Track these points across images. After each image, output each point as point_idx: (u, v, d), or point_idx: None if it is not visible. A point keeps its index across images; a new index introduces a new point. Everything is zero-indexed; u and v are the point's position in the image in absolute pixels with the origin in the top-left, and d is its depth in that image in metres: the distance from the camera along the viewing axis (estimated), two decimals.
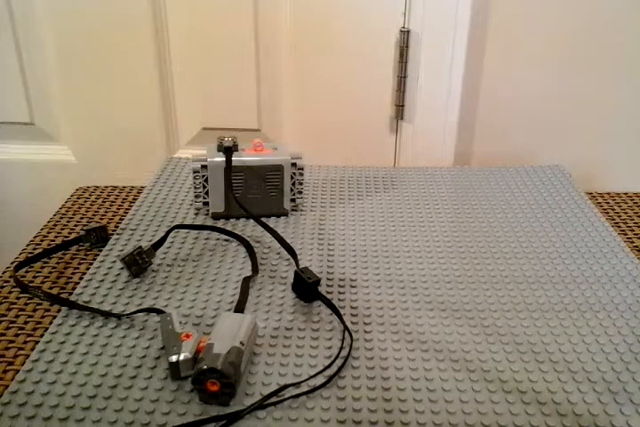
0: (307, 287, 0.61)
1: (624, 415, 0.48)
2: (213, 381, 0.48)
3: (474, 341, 0.57)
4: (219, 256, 0.70)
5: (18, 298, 0.63)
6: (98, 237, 0.72)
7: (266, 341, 0.56)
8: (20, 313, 0.60)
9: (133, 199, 0.85)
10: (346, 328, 0.57)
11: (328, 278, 0.66)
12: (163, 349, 0.55)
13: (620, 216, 0.82)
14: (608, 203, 0.86)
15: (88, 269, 0.68)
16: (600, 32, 0.93)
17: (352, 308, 0.61)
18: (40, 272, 0.67)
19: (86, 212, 0.82)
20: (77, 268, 0.69)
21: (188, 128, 1.04)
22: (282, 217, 0.79)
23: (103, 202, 0.84)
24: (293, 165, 0.76)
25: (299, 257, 0.70)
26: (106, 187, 0.89)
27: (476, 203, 0.83)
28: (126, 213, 0.81)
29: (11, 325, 0.59)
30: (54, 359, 0.53)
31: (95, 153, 1.06)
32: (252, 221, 0.77)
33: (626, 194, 0.89)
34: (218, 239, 0.73)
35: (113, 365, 0.53)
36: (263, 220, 0.77)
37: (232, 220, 0.78)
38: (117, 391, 0.50)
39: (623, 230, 0.79)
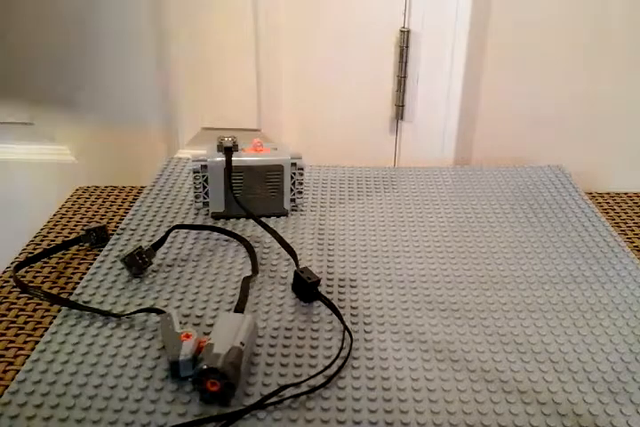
0: (306, 287, 0.61)
1: (624, 415, 0.48)
2: (213, 381, 0.48)
3: (474, 341, 0.57)
4: (219, 256, 0.70)
5: (18, 298, 0.63)
6: (98, 237, 0.72)
7: (266, 341, 0.56)
8: (19, 313, 0.60)
9: (133, 199, 0.85)
10: (346, 328, 0.57)
11: (328, 278, 0.66)
12: (163, 349, 0.55)
13: (620, 216, 0.82)
14: (608, 203, 0.86)
15: (88, 269, 0.68)
16: (600, 31, 0.93)
17: (352, 308, 0.61)
18: (40, 272, 0.67)
19: (86, 212, 0.82)
20: (77, 268, 0.69)
21: (188, 128, 1.03)
22: (282, 217, 0.79)
23: (103, 202, 0.84)
24: (293, 164, 0.76)
25: (299, 257, 0.70)
26: (106, 187, 0.89)
27: (476, 203, 0.83)
28: (126, 213, 0.81)
29: (11, 325, 0.59)
30: (54, 359, 0.53)
31: (95, 153, 1.06)
32: (251, 221, 0.77)
33: (626, 194, 0.89)
34: (218, 239, 0.73)
35: (113, 365, 0.53)
36: (263, 220, 0.77)
37: (232, 220, 0.78)
38: (117, 392, 0.50)
39: (623, 230, 0.79)
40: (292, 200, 0.79)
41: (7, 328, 0.58)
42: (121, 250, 0.71)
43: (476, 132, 1.01)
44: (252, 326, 0.54)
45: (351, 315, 0.60)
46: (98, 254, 0.71)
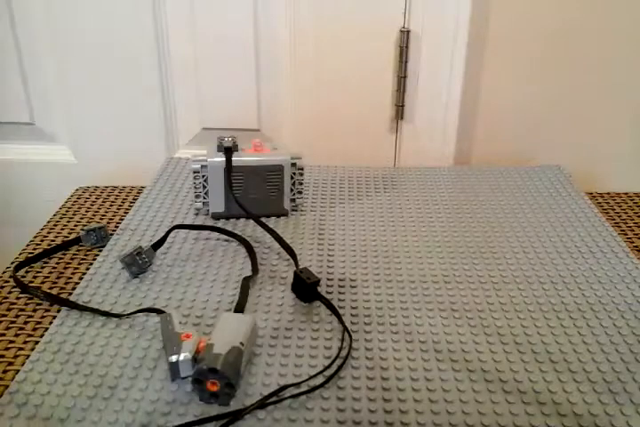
0: (306, 288, 0.61)
1: (624, 416, 0.48)
2: (213, 381, 0.48)
3: (474, 341, 0.57)
4: (219, 256, 0.70)
5: (18, 298, 0.63)
6: (98, 237, 0.72)
7: (266, 341, 0.56)
8: (19, 313, 0.60)
9: (133, 199, 0.85)
10: (345, 329, 0.57)
11: (328, 279, 0.66)
12: (163, 349, 0.55)
13: (620, 216, 0.82)
14: (608, 203, 0.86)
15: (88, 269, 0.68)
16: (600, 31, 0.93)
17: (352, 308, 0.61)
18: (40, 272, 0.67)
19: (86, 212, 0.82)
20: (77, 268, 0.68)
21: (188, 128, 1.03)
22: (282, 217, 0.79)
23: (103, 202, 0.84)
24: (293, 165, 0.76)
25: (298, 257, 0.70)
26: (106, 187, 0.89)
27: (476, 203, 0.83)
28: (126, 213, 0.81)
29: (11, 325, 0.59)
30: (54, 359, 0.53)
31: (95, 153, 1.06)
32: (252, 221, 0.77)
33: (626, 194, 0.89)
34: (218, 239, 0.73)
35: (113, 365, 0.53)
36: (263, 220, 0.77)
37: (232, 220, 0.78)
38: (117, 392, 0.50)
39: (623, 230, 0.79)
40: (292, 200, 0.79)
41: (7, 328, 0.58)
42: (121, 250, 0.71)
43: (476, 132, 1.01)
44: (252, 326, 0.54)
45: (351, 315, 0.60)
46: (98, 254, 0.71)
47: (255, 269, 0.66)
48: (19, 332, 0.58)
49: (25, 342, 0.56)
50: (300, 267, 0.64)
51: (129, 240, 0.73)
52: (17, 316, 0.60)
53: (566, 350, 0.56)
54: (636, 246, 0.75)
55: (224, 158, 0.74)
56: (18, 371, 0.53)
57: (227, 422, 0.47)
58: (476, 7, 0.91)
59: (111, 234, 0.75)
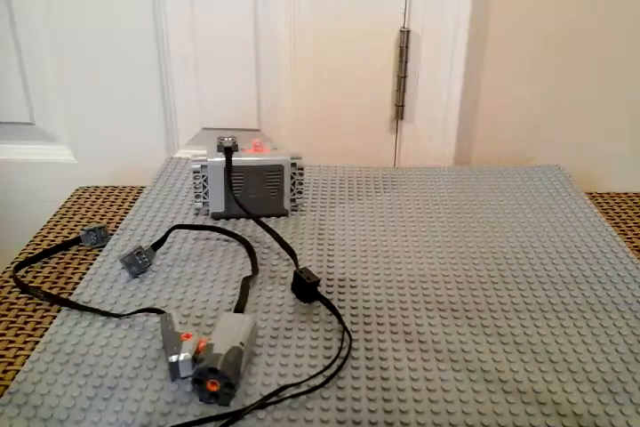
0: (306, 288, 0.61)
1: (624, 416, 0.48)
2: (213, 381, 0.48)
3: (474, 341, 0.57)
4: (219, 256, 0.70)
5: (18, 298, 0.63)
6: (98, 237, 0.72)
7: (266, 341, 0.56)
8: (19, 313, 0.60)
9: (133, 199, 0.85)
10: (344, 328, 0.57)
11: (328, 279, 0.66)
12: (163, 349, 0.55)
13: (620, 216, 0.82)
14: (608, 203, 0.86)
15: (88, 269, 0.68)
16: (600, 31, 0.93)
17: (352, 308, 0.61)
18: (40, 272, 0.67)
19: (86, 212, 0.82)
20: (77, 268, 0.69)
21: (188, 128, 1.03)
22: (282, 217, 0.79)
23: (103, 202, 0.84)
24: (293, 165, 0.76)
25: (298, 257, 0.70)
26: (106, 187, 0.89)
27: (476, 203, 0.83)
28: (126, 213, 0.81)
29: (11, 325, 0.59)
30: (54, 359, 0.53)
31: (95, 153, 1.06)
32: (251, 221, 0.77)
33: (626, 194, 0.89)
34: (218, 239, 0.73)
35: (112, 365, 0.53)
36: (263, 220, 0.77)
37: (232, 220, 0.78)
38: (117, 392, 0.50)
39: (623, 230, 0.79)
40: (292, 200, 0.79)
41: (7, 328, 0.58)
42: (121, 250, 0.71)
43: (476, 132, 1.01)
44: (252, 326, 0.54)
45: (351, 315, 0.60)
46: (98, 254, 0.71)
47: (255, 269, 0.66)
48: (19, 332, 0.58)
49: (25, 342, 0.56)
50: (300, 267, 0.64)
51: (129, 240, 0.73)
52: (17, 316, 0.60)
53: (566, 350, 0.56)
54: (636, 246, 0.75)
55: (224, 158, 0.74)
56: (18, 371, 0.53)
57: (227, 422, 0.47)
58: (475, 7, 0.91)
59: (111, 234, 0.75)
